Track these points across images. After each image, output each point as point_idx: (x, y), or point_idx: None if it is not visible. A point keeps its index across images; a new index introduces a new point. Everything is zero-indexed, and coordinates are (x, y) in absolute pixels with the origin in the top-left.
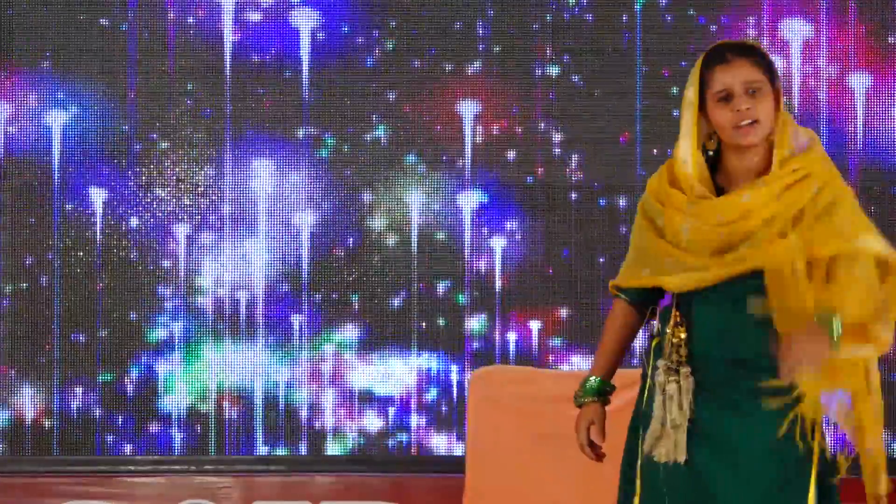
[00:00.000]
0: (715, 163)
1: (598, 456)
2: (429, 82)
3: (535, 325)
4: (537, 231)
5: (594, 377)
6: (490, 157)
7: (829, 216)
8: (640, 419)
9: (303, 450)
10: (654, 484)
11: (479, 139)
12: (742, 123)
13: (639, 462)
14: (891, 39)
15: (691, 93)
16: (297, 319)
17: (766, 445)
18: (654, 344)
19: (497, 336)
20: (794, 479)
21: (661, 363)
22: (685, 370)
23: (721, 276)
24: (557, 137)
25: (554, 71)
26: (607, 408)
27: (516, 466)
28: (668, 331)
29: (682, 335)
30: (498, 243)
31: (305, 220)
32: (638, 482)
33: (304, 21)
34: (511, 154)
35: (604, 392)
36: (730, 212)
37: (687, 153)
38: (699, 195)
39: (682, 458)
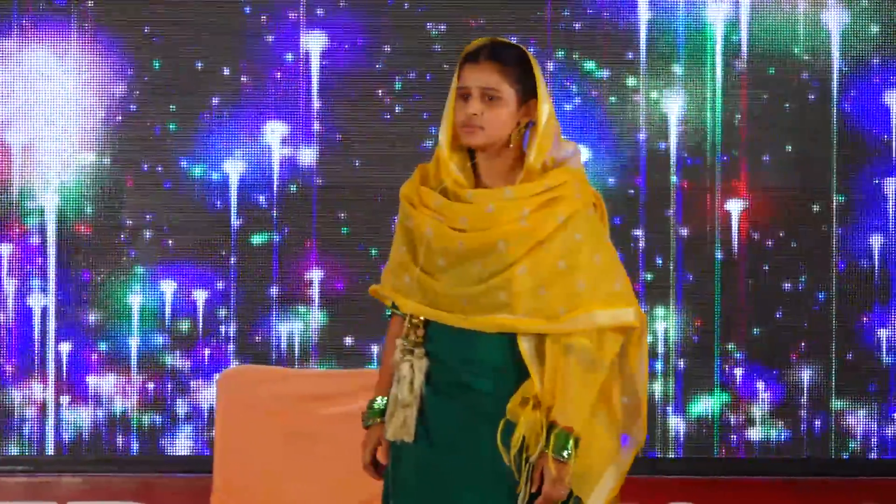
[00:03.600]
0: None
1: (381, 476)
2: None
3: None
4: None
5: (380, 398)
6: None
7: (570, 269)
8: None
9: (50, 450)
10: (395, 463)
11: None
12: (467, 125)
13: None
14: None
15: (454, 82)
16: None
17: (488, 452)
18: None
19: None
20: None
21: (398, 342)
22: (420, 351)
23: (451, 322)
24: None
25: None
26: None
27: (265, 465)
28: (408, 314)
29: (421, 318)
30: None
31: None
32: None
33: None
34: None
35: None
36: (473, 218)
37: (444, 136)
38: (457, 182)
39: (409, 437)
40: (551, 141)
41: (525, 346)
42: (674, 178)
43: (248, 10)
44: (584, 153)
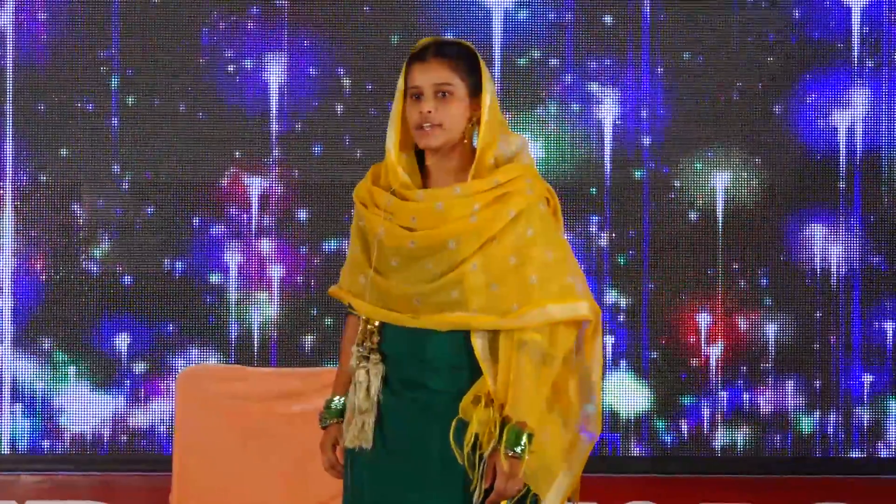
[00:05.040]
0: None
1: (342, 475)
2: None
3: None
4: None
5: (338, 397)
6: None
7: (522, 264)
8: None
9: (5, 448)
10: (349, 472)
11: None
12: (424, 125)
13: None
14: None
15: (400, 82)
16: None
17: (442, 451)
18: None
19: None
20: (465, 487)
21: (354, 349)
22: (375, 357)
23: (403, 323)
24: None
25: None
26: None
27: (224, 464)
28: (362, 318)
29: (376, 323)
30: None
31: None
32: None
33: None
34: None
35: None
36: (423, 217)
37: (391, 141)
38: (404, 185)
39: (367, 444)
40: (499, 135)
41: (478, 343)
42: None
43: None
44: (534, 150)
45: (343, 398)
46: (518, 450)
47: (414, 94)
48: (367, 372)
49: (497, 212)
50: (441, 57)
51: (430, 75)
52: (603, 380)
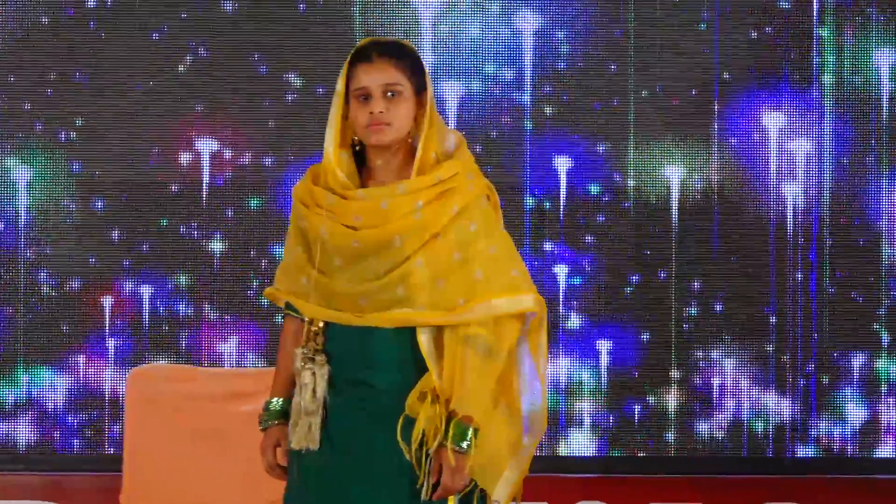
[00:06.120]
0: (363, 158)
1: (284, 477)
2: None
3: None
4: None
5: (276, 399)
6: None
7: (466, 260)
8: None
9: None
10: (294, 473)
11: None
12: (374, 124)
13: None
14: None
15: (339, 85)
16: None
17: (389, 448)
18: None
19: None
20: (413, 484)
21: (298, 351)
22: (321, 358)
23: (347, 322)
24: None
25: None
26: None
27: (174, 464)
28: (306, 319)
29: (321, 324)
30: None
31: None
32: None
33: None
34: None
35: (288, 413)
36: (367, 215)
37: (330, 144)
38: (343, 187)
39: (314, 445)
40: (441, 132)
41: (423, 340)
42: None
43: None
44: None
45: (281, 400)
46: (464, 445)
47: (361, 96)
48: (313, 373)
49: (440, 208)
50: (387, 57)
51: (377, 76)
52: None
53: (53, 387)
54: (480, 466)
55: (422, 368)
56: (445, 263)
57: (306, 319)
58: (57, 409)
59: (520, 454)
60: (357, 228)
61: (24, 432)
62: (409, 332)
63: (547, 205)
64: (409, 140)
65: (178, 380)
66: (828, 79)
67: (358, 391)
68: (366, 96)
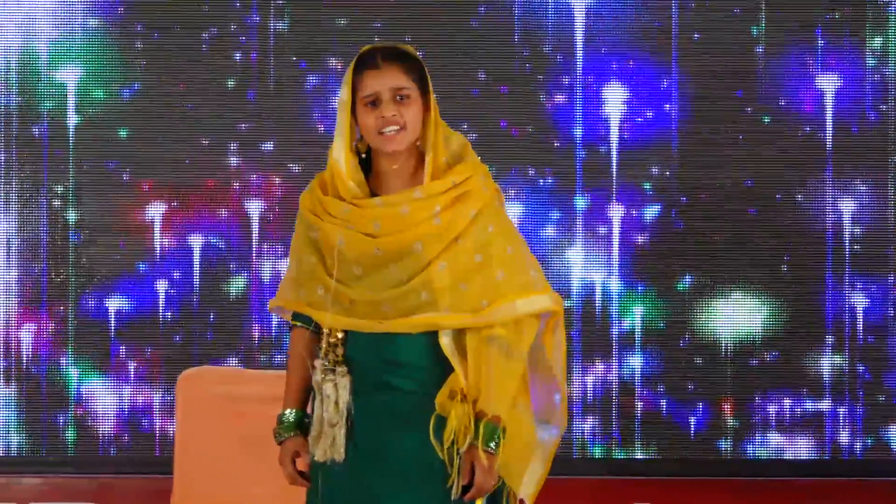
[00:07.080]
0: (369, 166)
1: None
2: None
3: None
4: None
5: (290, 411)
6: None
7: (486, 262)
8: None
9: (11, 451)
10: (318, 485)
11: None
12: (386, 130)
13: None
14: None
15: (344, 93)
16: None
17: (417, 450)
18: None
19: None
20: (443, 485)
21: (318, 363)
22: (342, 369)
23: (370, 329)
24: None
25: None
26: None
27: (224, 467)
28: (325, 331)
29: (339, 335)
30: None
31: None
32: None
33: None
34: None
35: (302, 423)
36: (386, 222)
37: (340, 153)
38: (354, 196)
39: (339, 457)
40: (447, 134)
41: (445, 342)
42: None
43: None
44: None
45: (294, 411)
46: (493, 445)
47: (370, 102)
48: (335, 385)
49: (459, 212)
50: (394, 61)
51: (386, 80)
52: (566, 370)
53: (105, 390)
54: (505, 465)
55: (443, 369)
56: (467, 266)
57: (325, 330)
58: (108, 412)
59: (542, 451)
60: (376, 236)
61: (74, 435)
62: (431, 334)
63: None
64: (418, 144)
65: (227, 382)
66: None
67: (382, 395)
68: (375, 102)
